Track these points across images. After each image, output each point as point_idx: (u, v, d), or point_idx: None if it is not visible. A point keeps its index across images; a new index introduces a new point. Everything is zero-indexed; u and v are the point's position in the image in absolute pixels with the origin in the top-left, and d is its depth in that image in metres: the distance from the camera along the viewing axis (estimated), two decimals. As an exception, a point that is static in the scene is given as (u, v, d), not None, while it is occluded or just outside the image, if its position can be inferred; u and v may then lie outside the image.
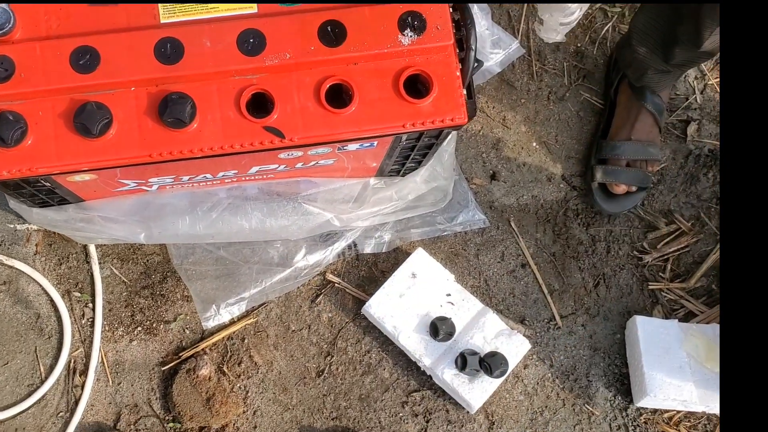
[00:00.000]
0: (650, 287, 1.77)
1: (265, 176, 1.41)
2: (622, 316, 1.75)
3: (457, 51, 1.22)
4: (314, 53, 1.18)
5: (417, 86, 1.23)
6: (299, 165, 1.37)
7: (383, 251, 1.77)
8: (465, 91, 1.22)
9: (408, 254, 1.73)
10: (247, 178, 1.41)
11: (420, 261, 1.70)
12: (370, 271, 1.77)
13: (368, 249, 1.72)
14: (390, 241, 1.74)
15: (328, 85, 1.19)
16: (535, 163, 1.83)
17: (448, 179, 1.52)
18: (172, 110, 1.16)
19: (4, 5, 1.15)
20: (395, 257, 1.78)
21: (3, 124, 1.13)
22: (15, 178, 1.17)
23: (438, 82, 1.19)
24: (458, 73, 1.21)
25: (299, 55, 1.18)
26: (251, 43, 1.17)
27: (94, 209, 1.37)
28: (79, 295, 1.72)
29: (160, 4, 1.19)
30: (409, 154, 1.38)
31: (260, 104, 1.21)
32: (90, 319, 1.71)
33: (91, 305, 1.72)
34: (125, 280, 1.73)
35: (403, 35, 1.19)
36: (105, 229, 1.39)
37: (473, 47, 1.19)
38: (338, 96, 1.21)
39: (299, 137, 1.19)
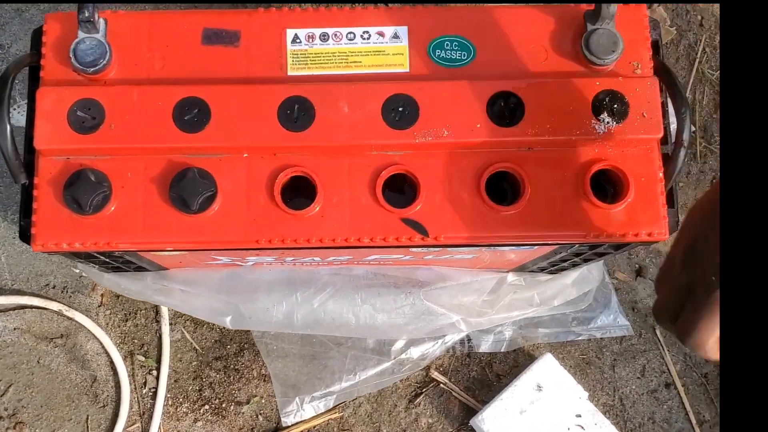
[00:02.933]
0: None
1: (382, 262, 1.15)
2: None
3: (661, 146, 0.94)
4: (479, 132, 0.91)
5: (602, 184, 0.95)
6: (429, 257, 1.10)
7: (501, 350, 1.48)
8: (665, 199, 0.93)
9: (531, 357, 1.45)
10: (361, 263, 1.14)
11: (548, 370, 1.41)
12: (483, 372, 1.49)
13: (484, 347, 1.44)
14: (511, 339, 1.45)
15: (490, 174, 0.91)
16: (693, 262, 1.52)
17: (599, 280, 1.23)
18: (292, 189, 0.91)
19: (98, 36, 0.92)
20: (515, 359, 1.49)
21: (82, 185, 0.89)
22: (89, 251, 0.93)
23: (635, 183, 0.91)
24: (661, 175, 0.93)
25: (460, 133, 0.91)
26: (400, 112, 0.91)
27: (176, 281, 1.13)
28: (143, 359, 1.49)
29: (289, 53, 0.94)
30: (570, 259, 1.09)
31: (397, 187, 0.95)
32: (152, 390, 1.47)
33: (155, 372, 1.48)
34: (197, 347, 1.49)
35: (598, 120, 0.91)
36: (185, 305, 1.15)
37: (685, 143, 0.90)
38: (497, 186, 0.94)
39: (446, 236, 0.92)
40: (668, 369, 1.50)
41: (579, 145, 0.92)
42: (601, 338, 1.50)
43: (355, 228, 0.91)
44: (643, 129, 0.91)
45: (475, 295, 1.17)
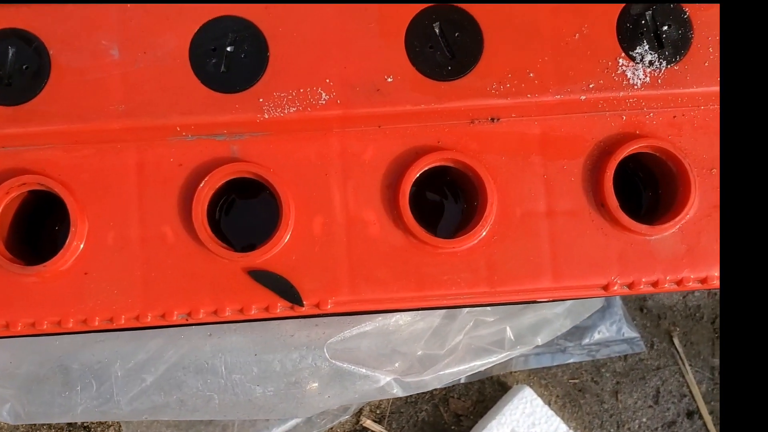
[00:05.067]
0: None
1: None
2: None
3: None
4: (396, 93, 0.45)
5: (634, 183, 0.51)
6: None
7: (460, 381, 1.09)
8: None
9: (502, 387, 1.08)
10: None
11: (526, 408, 1.05)
12: (437, 412, 1.10)
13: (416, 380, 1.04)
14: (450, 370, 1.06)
15: (420, 172, 0.46)
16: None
17: (602, 300, 0.81)
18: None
19: None
20: (479, 391, 1.12)
21: None
22: None
23: (698, 183, 0.47)
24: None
25: (353, 98, 0.44)
26: (230, 55, 0.44)
27: None
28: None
29: None
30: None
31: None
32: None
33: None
34: None
35: (630, 58, 0.45)
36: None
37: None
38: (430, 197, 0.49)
39: (336, 300, 0.48)
40: (690, 391, 1.13)
41: (591, 108, 0.46)
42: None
43: (154, 294, 0.46)
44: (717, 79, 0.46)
45: (413, 340, 0.73)
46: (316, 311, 0.48)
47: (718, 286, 0.51)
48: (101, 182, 0.47)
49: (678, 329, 1.16)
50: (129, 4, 0.45)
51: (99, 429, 1.05)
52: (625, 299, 1.13)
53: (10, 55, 0.45)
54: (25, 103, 0.46)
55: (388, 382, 0.79)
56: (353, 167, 0.48)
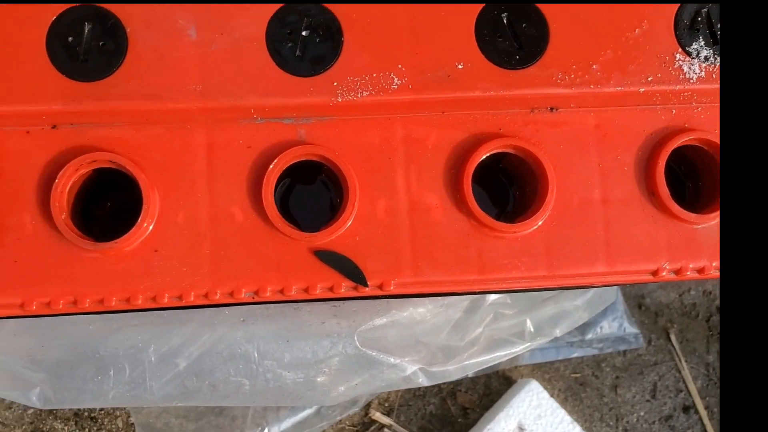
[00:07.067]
0: None
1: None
2: None
3: None
4: (465, 78, 0.46)
5: (680, 177, 0.53)
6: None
7: (468, 375, 1.08)
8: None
9: (507, 381, 1.09)
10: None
11: (533, 402, 1.05)
12: (444, 405, 1.11)
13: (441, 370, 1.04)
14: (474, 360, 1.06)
15: (481, 158, 0.48)
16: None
17: (616, 292, 0.84)
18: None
19: None
20: (486, 385, 1.12)
21: None
22: None
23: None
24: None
25: (422, 83, 0.46)
26: (304, 40, 0.45)
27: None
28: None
29: None
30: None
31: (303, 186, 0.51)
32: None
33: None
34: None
35: (687, 54, 0.48)
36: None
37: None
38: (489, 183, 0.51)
39: (398, 281, 0.49)
40: (686, 387, 1.15)
41: (646, 100, 0.48)
42: (601, 348, 1.12)
43: (222, 272, 0.47)
44: None
45: (435, 332, 0.74)
46: (379, 292, 0.49)
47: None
48: (171, 162, 0.47)
49: (675, 326, 1.18)
50: (205, -12, 0.46)
51: (107, 419, 1.04)
52: (625, 297, 1.16)
53: (86, 31, 0.46)
54: (101, 80, 0.46)
55: (414, 372, 0.80)
56: (417, 152, 0.49)
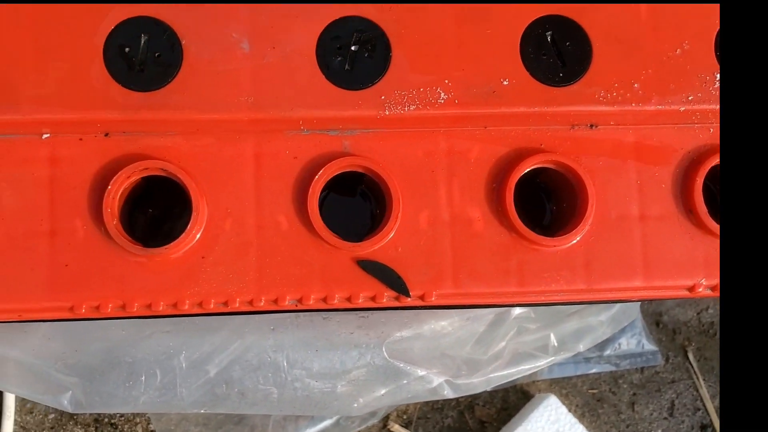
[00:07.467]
0: None
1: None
2: None
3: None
4: (506, 95, 0.47)
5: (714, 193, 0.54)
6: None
7: (487, 389, 1.08)
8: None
9: (525, 396, 1.07)
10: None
11: (552, 417, 1.04)
12: (462, 419, 1.10)
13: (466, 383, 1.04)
14: (498, 373, 1.06)
15: (522, 174, 0.49)
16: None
17: (638, 308, 0.84)
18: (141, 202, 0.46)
19: None
20: (503, 399, 1.11)
21: None
22: None
23: None
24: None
25: (466, 97, 0.47)
26: (353, 54, 0.46)
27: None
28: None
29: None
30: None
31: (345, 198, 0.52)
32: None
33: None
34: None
35: None
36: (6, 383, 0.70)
37: None
38: (528, 198, 0.52)
39: (439, 293, 0.50)
40: (704, 405, 1.14)
41: (685, 119, 0.49)
42: (618, 364, 1.12)
43: (267, 280, 0.47)
44: (806, 93, 0.49)
45: (459, 345, 0.75)
46: (420, 303, 0.50)
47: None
48: (220, 171, 0.48)
49: (692, 344, 1.18)
50: (259, 5, 0.47)
51: (126, 426, 1.04)
52: (643, 314, 1.16)
53: (142, 42, 0.47)
54: (156, 90, 0.47)
55: (440, 384, 0.80)
56: (459, 165, 0.50)
